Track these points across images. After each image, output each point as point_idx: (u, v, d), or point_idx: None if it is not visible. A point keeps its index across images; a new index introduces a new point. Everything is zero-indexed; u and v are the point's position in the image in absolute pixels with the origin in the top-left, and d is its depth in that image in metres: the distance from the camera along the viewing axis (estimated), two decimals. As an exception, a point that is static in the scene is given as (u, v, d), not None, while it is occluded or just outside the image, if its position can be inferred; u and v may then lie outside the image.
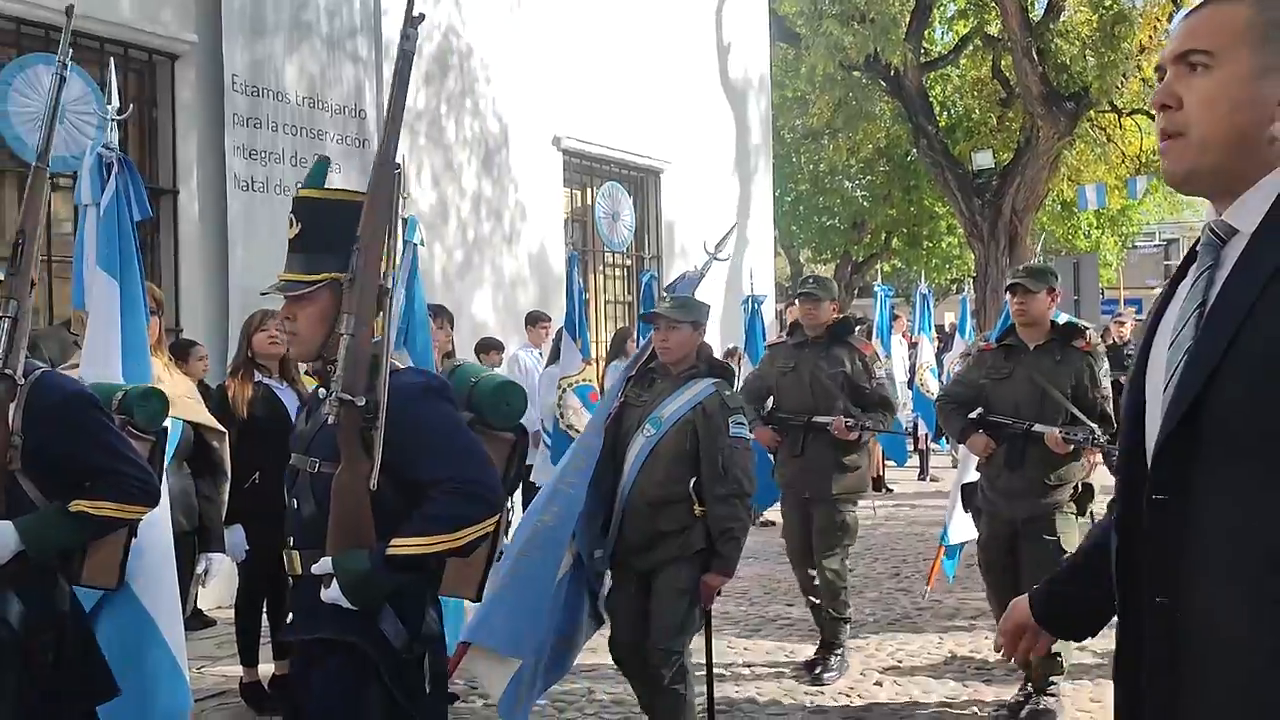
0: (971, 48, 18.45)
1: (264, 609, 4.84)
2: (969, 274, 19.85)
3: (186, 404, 3.62)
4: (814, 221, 23.06)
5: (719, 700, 4.30)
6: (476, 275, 8.88)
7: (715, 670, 4.18)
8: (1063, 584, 1.85)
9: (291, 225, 2.39)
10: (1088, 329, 4.71)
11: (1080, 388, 4.37)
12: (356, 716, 2.27)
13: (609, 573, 3.97)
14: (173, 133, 6.68)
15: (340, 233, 2.33)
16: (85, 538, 2.53)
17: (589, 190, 10.21)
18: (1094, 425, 4.29)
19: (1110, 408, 4.42)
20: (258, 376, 4.72)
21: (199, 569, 3.69)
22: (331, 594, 2.22)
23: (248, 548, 4.48)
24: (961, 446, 5.00)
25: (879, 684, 5.00)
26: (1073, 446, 4.30)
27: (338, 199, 2.49)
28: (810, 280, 5.18)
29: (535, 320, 8.49)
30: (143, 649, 3.13)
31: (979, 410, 4.57)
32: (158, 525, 3.16)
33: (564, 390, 6.77)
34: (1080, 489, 4.42)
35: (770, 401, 5.30)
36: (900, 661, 5.32)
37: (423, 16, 2.36)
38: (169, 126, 6.69)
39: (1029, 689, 4.51)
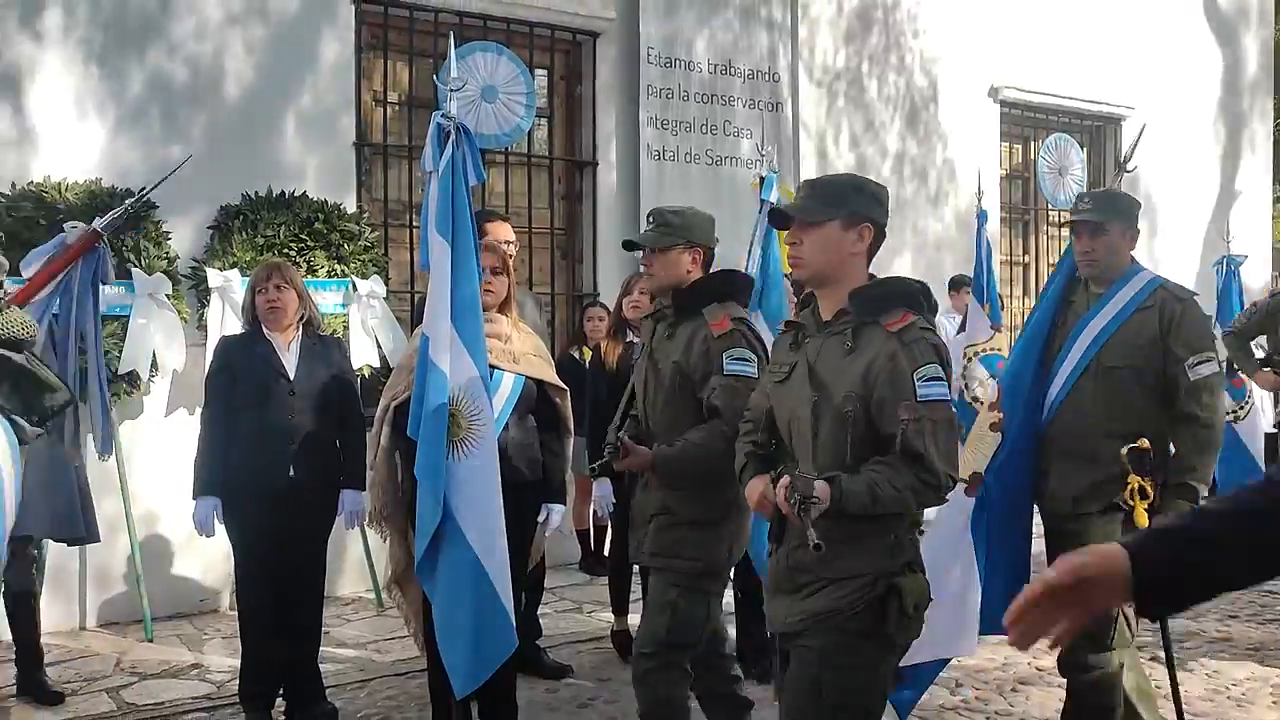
0: None
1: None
2: None
3: (530, 360, 3.76)
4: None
5: None
6: (897, 238, 8.47)
7: None
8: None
9: None
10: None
11: (875, 400, 2.38)
12: None
13: None
14: (593, 107, 7.08)
15: None
16: None
17: (1031, 144, 9.34)
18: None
19: (932, 444, 2.34)
20: (629, 336, 4.87)
21: (540, 518, 3.85)
22: None
23: (614, 500, 4.65)
24: None
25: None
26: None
27: None
28: (650, 216, 3.37)
29: (959, 285, 7.98)
30: (471, 590, 3.32)
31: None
32: (485, 474, 3.35)
33: (969, 359, 6.27)
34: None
35: None
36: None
37: None
38: (590, 102, 7.09)
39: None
